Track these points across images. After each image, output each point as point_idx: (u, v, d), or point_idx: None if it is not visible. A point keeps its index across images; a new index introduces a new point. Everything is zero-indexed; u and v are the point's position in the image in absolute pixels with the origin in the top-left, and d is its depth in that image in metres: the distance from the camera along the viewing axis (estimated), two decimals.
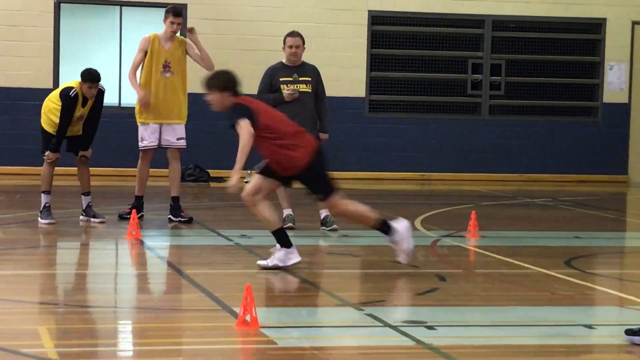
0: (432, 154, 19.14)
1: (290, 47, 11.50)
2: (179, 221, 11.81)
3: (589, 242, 11.74)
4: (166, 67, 11.78)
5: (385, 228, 9.02)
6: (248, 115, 8.76)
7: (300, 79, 11.47)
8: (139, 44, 11.89)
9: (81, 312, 7.38)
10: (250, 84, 18.11)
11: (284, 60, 11.61)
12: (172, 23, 11.81)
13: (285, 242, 8.97)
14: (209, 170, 17.71)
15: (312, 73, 11.56)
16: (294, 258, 8.95)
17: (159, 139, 11.88)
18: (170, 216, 11.90)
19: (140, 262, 10.03)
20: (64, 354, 6.10)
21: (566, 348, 6.57)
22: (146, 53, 11.80)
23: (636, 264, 10.72)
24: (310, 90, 11.49)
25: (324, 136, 11.52)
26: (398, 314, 7.40)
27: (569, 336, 6.90)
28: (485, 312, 7.69)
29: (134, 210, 10.98)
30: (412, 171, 19.00)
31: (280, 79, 11.45)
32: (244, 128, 8.67)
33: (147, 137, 11.84)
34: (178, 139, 11.92)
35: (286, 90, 11.32)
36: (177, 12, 11.87)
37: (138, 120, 11.91)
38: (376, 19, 18.89)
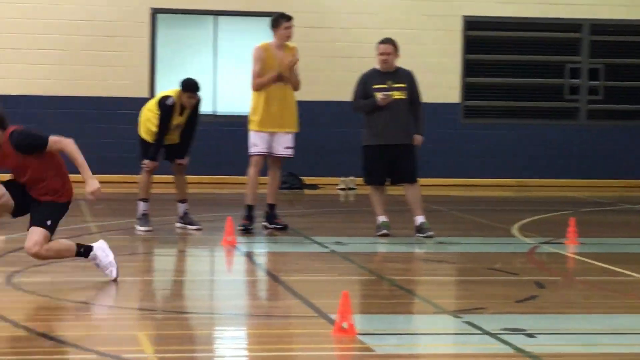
0: (528, 159, 18.91)
1: (381, 54, 11.46)
2: (274, 228, 11.82)
3: None
4: (279, 76, 11.66)
5: (82, 251, 8.45)
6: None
7: (394, 85, 11.41)
8: (254, 55, 11.67)
9: (179, 318, 7.43)
10: (343, 91, 18.15)
11: (377, 67, 11.57)
12: (287, 28, 11.66)
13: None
14: (302, 178, 17.74)
15: (406, 79, 11.49)
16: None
17: (270, 147, 11.72)
18: (266, 223, 11.90)
19: (236, 268, 10.07)
20: (163, 359, 6.14)
21: None
22: (263, 62, 11.62)
23: None
24: (404, 97, 11.42)
25: (418, 139, 11.45)
26: (497, 321, 7.29)
27: None
28: (585, 320, 7.54)
29: (229, 218, 10.93)
30: (508, 177, 18.79)
31: (374, 87, 11.40)
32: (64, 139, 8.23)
33: (259, 142, 11.71)
34: (286, 148, 11.77)
35: (379, 95, 11.27)
36: (290, 16, 11.77)
37: (250, 127, 11.82)
38: (471, 24, 18.74)
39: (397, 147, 11.41)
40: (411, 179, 11.46)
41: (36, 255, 8.23)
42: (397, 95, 11.37)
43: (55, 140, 8.19)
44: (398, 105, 11.36)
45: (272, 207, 11.88)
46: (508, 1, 18.75)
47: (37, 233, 8.20)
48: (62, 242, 8.45)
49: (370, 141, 11.50)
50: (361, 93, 11.49)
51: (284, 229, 11.79)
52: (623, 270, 9.49)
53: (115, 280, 8.37)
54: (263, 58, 11.61)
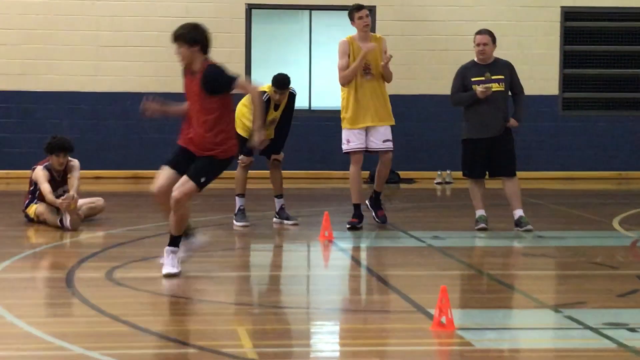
0: (629, 151, 18.57)
1: (478, 44, 11.35)
2: (375, 215, 11.68)
3: None
4: (367, 69, 11.52)
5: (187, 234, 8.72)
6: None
7: (493, 77, 11.29)
8: (339, 50, 11.59)
9: (277, 313, 7.45)
10: (440, 84, 18.09)
11: (475, 59, 11.46)
12: (361, 18, 11.51)
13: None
14: (399, 172, 17.67)
15: (505, 70, 11.36)
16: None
17: (366, 142, 11.55)
18: (368, 204, 11.72)
19: (333, 263, 10.06)
20: (262, 354, 6.16)
21: None
22: (349, 56, 11.59)
23: None
24: (502, 89, 11.29)
25: (513, 121, 11.27)
26: (598, 316, 7.16)
27: None
28: None
29: (325, 212, 10.90)
30: (609, 170, 18.48)
31: (472, 79, 11.29)
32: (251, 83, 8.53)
33: (353, 139, 11.57)
34: (384, 141, 11.58)
35: (479, 88, 11.16)
36: (360, 6, 11.65)
37: (343, 125, 11.67)
38: (569, 15, 18.45)
39: (496, 140, 11.29)
40: (510, 173, 11.34)
41: (175, 202, 8.40)
42: (495, 87, 11.25)
43: (244, 85, 8.50)
44: (497, 97, 11.23)
45: (378, 194, 11.73)
46: None
47: (186, 184, 8.47)
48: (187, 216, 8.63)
49: (469, 134, 11.40)
50: (460, 86, 11.39)
51: (383, 222, 11.63)
52: None
53: (166, 276, 8.46)
54: (348, 51, 11.54)
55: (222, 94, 8.47)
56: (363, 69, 11.50)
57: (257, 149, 8.82)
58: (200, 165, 8.51)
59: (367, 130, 11.55)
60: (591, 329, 6.76)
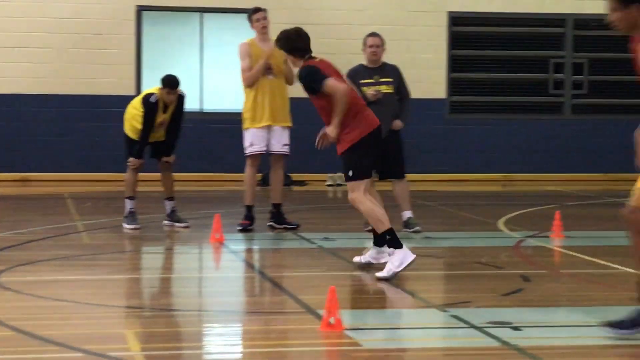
0: (514, 154, 18.97)
1: (371, 46, 11.49)
2: (284, 228, 11.73)
3: None
4: (268, 69, 11.59)
5: (392, 241, 8.66)
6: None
7: (381, 80, 11.45)
8: (240, 52, 11.63)
9: (167, 316, 7.45)
10: None
11: (364, 62, 11.60)
12: (258, 20, 11.64)
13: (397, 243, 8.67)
14: (290, 174, 17.75)
15: (393, 73, 11.53)
16: (409, 256, 8.61)
17: (268, 145, 11.67)
18: (273, 223, 11.81)
19: (224, 265, 10.09)
20: (150, 357, 6.16)
21: None
22: (250, 58, 11.57)
23: None
24: (391, 91, 11.45)
25: (397, 123, 11.42)
26: (483, 315, 7.33)
27: None
28: (571, 313, 7.60)
29: (216, 215, 10.93)
30: (495, 172, 18.86)
31: (361, 81, 11.43)
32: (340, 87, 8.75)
33: (256, 142, 11.64)
34: (284, 145, 11.72)
35: (370, 92, 11.30)
36: (259, 8, 11.73)
37: (245, 126, 11.71)
38: (456, 20, 18.79)
39: (385, 142, 11.43)
40: (400, 175, 11.49)
41: (353, 205, 8.73)
42: (384, 89, 11.40)
43: (330, 86, 8.64)
44: (386, 99, 11.39)
45: (278, 206, 11.82)
46: None
47: (348, 187, 8.75)
48: (377, 211, 8.66)
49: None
50: None
51: (295, 228, 11.71)
52: (608, 263, 9.56)
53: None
54: (250, 53, 11.61)
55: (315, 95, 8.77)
56: (265, 69, 11.59)
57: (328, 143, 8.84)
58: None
59: (268, 131, 11.60)
60: (476, 327, 6.91)
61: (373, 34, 11.59)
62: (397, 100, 11.53)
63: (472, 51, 18.86)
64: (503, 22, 18.94)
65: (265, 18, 11.67)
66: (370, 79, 11.41)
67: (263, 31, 11.67)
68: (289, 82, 11.69)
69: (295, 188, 17.36)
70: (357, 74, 11.51)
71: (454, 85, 18.79)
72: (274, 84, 11.63)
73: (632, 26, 6.77)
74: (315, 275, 9.10)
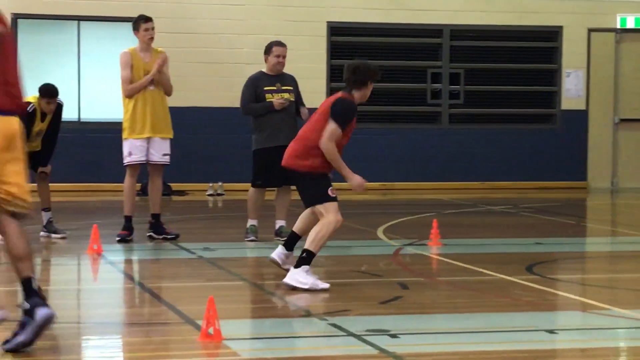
0: (393, 163, 19.20)
1: (278, 56, 11.53)
2: (164, 238, 11.66)
3: (550, 247, 11.83)
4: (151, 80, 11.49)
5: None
6: None
7: (283, 88, 11.51)
8: (120, 61, 11.52)
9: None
10: (213, 97, 18.23)
11: (264, 70, 11.62)
12: (147, 30, 11.53)
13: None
14: (170, 184, 17.66)
15: (292, 82, 11.63)
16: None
17: (147, 155, 11.56)
18: (152, 233, 11.70)
19: (102, 277, 9.98)
20: None
21: (529, 353, 6.61)
22: (131, 68, 11.49)
23: (597, 269, 10.81)
24: (293, 99, 11.54)
25: (304, 110, 11.53)
26: (361, 323, 7.41)
27: (531, 342, 6.94)
28: (448, 320, 7.73)
29: (94, 225, 10.81)
30: (374, 181, 19.04)
31: (265, 88, 11.45)
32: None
33: (135, 152, 11.49)
34: (163, 155, 11.62)
35: (278, 100, 11.33)
36: (148, 18, 11.66)
37: (125, 136, 11.57)
38: (335, 30, 18.95)
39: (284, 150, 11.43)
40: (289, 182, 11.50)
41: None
42: (286, 97, 11.48)
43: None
44: (289, 107, 11.46)
45: (157, 216, 11.73)
46: (371, 7, 19.01)
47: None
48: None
49: (262, 144, 11.48)
50: (252, 96, 11.51)
51: (175, 238, 11.65)
52: (483, 270, 9.74)
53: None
54: (131, 63, 11.51)
55: None
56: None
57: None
58: None
59: (148, 141, 11.52)
60: (354, 335, 6.98)
61: (280, 44, 11.61)
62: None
63: (352, 61, 18.99)
64: (382, 32, 19.17)
65: (153, 28, 11.59)
66: (273, 86, 11.46)
67: (150, 42, 11.59)
68: (168, 92, 11.63)
69: (175, 198, 17.27)
70: (259, 81, 11.52)
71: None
72: (154, 94, 11.55)
73: None
74: (194, 285, 9.08)
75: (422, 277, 9.72)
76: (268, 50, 11.60)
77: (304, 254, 8.62)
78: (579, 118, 19.72)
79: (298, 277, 8.57)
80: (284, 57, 11.58)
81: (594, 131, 19.79)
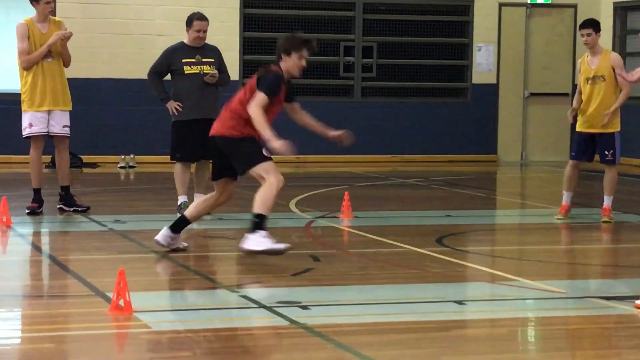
0: (306, 136, 19.01)
1: (198, 30, 11.42)
2: (74, 211, 11.52)
3: (460, 220, 11.96)
4: (47, 52, 11.30)
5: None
6: None
7: (203, 60, 11.40)
8: (17, 32, 11.31)
9: None
10: (122, 68, 18.02)
11: (185, 41, 11.51)
12: (48, 2, 11.35)
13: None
14: (81, 156, 17.48)
15: (214, 54, 11.53)
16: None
17: (48, 127, 11.38)
18: (63, 206, 11.56)
19: (12, 249, 9.85)
20: None
21: (438, 324, 6.70)
22: (28, 39, 11.30)
23: (506, 241, 10.97)
24: (215, 71, 11.41)
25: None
26: (272, 294, 7.44)
27: (440, 312, 7.04)
28: (359, 291, 7.79)
29: (3, 197, 10.65)
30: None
31: (183, 60, 11.33)
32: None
33: (36, 123, 11.32)
34: (64, 127, 11.45)
35: (209, 75, 11.22)
36: None
37: (24, 108, 11.39)
38: (248, 2, 18.87)
39: (210, 122, 11.33)
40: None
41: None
42: (206, 69, 11.37)
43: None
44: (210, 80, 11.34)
45: (66, 189, 11.58)
46: None
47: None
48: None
49: (181, 116, 11.36)
50: (164, 65, 11.39)
51: (86, 210, 11.52)
52: (394, 242, 9.83)
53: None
54: (28, 34, 11.33)
55: None
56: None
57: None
58: None
59: (48, 113, 11.38)
60: (265, 307, 7.01)
61: (201, 17, 11.48)
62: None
63: (265, 33, 18.97)
64: (295, 4, 19.13)
65: (54, 1, 11.40)
66: (193, 58, 11.35)
67: (50, 13, 11.42)
68: (66, 64, 11.48)
69: (87, 170, 17.09)
70: (177, 52, 11.39)
71: (246, 68, 18.85)
72: (52, 66, 11.40)
73: None
74: (105, 258, 9.01)
75: (334, 249, 9.78)
76: (189, 23, 11.49)
77: (256, 218, 8.57)
78: (490, 92, 19.94)
79: (254, 241, 8.52)
80: (205, 31, 11.47)
81: (504, 105, 20.03)
